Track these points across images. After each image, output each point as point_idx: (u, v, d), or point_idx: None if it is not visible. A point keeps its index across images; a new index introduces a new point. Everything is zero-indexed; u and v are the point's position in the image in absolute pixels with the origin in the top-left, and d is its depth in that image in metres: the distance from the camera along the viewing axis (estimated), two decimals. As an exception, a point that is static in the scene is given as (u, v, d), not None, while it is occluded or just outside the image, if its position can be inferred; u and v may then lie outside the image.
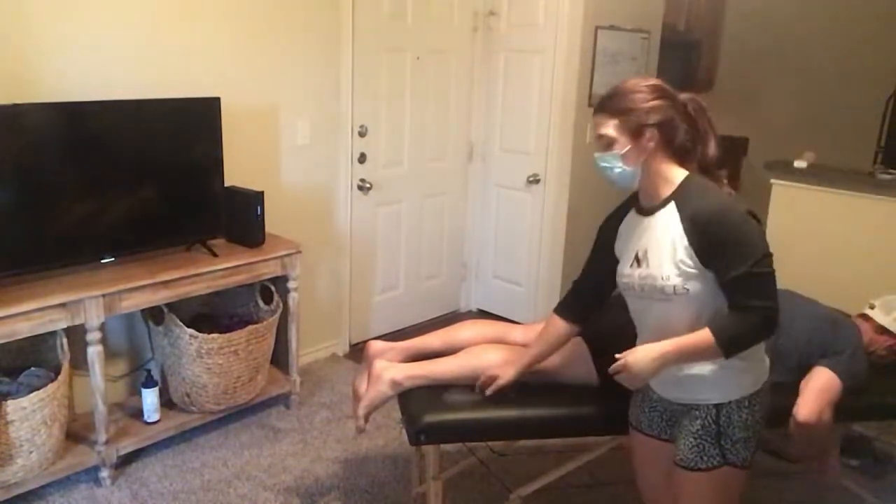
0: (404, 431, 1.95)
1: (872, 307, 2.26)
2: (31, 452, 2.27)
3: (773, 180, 3.47)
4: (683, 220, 1.54)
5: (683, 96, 1.61)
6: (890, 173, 3.72)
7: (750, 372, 1.62)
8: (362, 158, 3.50)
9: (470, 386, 1.99)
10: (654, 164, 1.59)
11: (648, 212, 1.63)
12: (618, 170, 1.60)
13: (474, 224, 4.17)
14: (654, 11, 4.08)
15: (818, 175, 3.42)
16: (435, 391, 1.98)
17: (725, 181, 1.62)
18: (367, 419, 2.08)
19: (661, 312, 1.62)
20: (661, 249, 1.58)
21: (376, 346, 2.21)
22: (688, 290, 1.55)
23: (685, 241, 1.53)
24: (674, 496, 1.68)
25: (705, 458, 1.62)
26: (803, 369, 2.03)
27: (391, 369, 2.05)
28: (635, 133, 1.56)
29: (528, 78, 3.75)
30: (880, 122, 4.52)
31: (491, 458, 2.59)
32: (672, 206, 1.58)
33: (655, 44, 4.13)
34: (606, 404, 1.96)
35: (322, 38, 3.20)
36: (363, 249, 3.65)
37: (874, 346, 2.19)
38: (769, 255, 1.52)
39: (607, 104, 1.59)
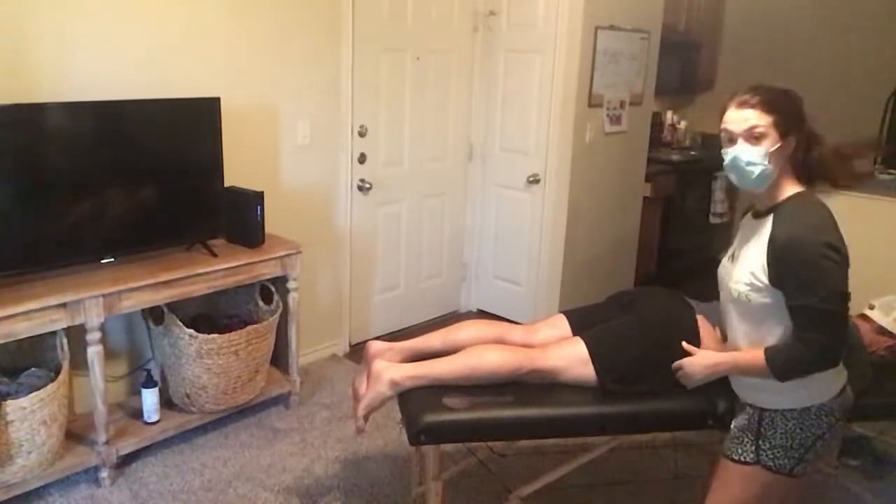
0: (404, 431, 1.95)
1: (872, 308, 2.27)
2: (30, 452, 2.27)
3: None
4: (772, 236, 1.58)
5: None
6: (890, 173, 3.72)
7: (804, 388, 1.63)
8: (362, 158, 3.50)
9: (470, 386, 1.99)
10: (781, 172, 1.62)
11: (757, 215, 1.68)
12: (760, 167, 1.59)
13: (474, 224, 4.17)
14: (654, 11, 4.08)
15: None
16: (435, 391, 1.97)
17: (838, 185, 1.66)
18: (366, 419, 2.08)
19: (729, 310, 1.73)
20: (748, 255, 1.64)
21: (376, 346, 2.20)
22: (750, 300, 1.63)
23: (764, 258, 1.58)
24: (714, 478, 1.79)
25: (740, 452, 1.72)
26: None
27: (391, 370, 2.04)
28: (784, 134, 1.58)
29: (528, 78, 3.75)
30: (880, 122, 4.51)
31: (491, 458, 2.59)
32: (771, 218, 1.62)
33: (655, 44, 4.13)
34: (606, 404, 1.96)
35: (322, 39, 3.20)
36: (363, 249, 3.65)
37: (874, 347, 2.20)
38: (841, 294, 1.54)
39: (765, 99, 1.58)
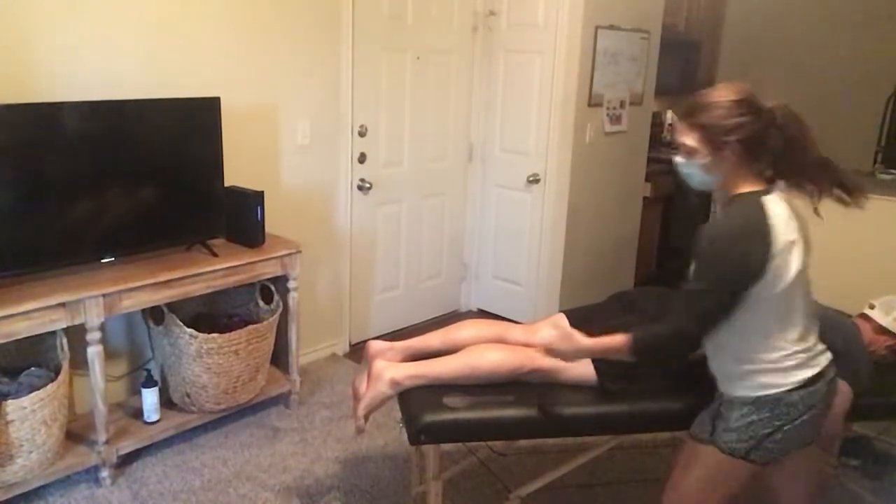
0: (404, 431, 1.95)
1: (872, 307, 2.27)
2: (31, 452, 2.27)
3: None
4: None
5: (774, 105, 1.63)
6: (890, 173, 3.72)
7: (756, 377, 1.65)
8: (362, 158, 3.50)
9: (470, 385, 1.99)
10: (731, 175, 1.66)
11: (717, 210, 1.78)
12: (697, 177, 1.68)
13: (474, 224, 4.17)
14: (654, 11, 4.08)
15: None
16: (435, 391, 1.98)
17: (816, 196, 1.68)
18: (366, 419, 2.08)
19: None
20: None
21: (376, 345, 2.21)
22: None
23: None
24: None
25: (699, 430, 1.78)
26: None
27: (391, 369, 2.05)
28: (716, 146, 1.62)
29: (528, 78, 3.75)
30: (880, 122, 4.52)
31: (491, 458, 2.59)
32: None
33: (655, 44, 4.13)
34: (606, 404, 1.96)
35: (322, 39, 3.20)
36: (363, 249, 3.65)
37: (874, 347, 2.19)
38: (719, 283, 1.58)
39: (691, 115, 1.64)
